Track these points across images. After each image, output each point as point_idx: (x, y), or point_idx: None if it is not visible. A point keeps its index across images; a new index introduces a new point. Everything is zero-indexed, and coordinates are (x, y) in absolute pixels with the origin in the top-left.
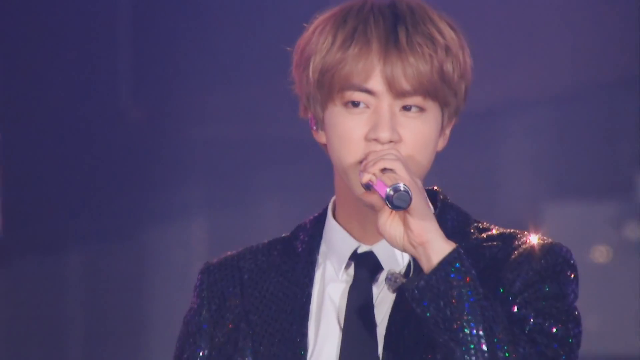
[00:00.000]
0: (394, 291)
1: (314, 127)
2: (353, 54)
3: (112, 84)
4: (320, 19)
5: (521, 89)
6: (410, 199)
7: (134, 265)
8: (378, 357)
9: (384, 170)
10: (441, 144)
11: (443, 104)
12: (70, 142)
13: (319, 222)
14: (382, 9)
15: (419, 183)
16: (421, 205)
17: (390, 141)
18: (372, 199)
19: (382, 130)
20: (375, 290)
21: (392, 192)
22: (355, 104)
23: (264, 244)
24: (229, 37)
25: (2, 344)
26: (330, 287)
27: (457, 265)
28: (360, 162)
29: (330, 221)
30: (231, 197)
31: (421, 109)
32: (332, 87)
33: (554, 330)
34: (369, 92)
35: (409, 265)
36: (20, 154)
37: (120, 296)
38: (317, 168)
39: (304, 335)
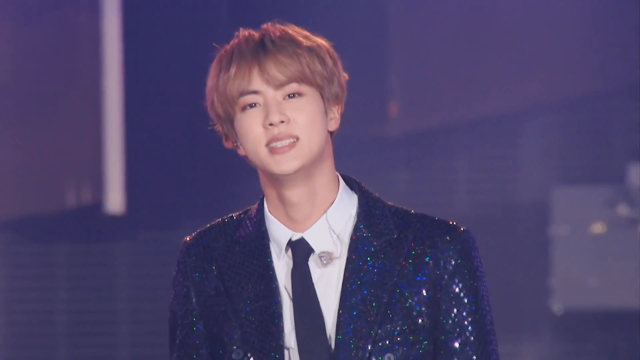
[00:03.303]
0: (325, 266)
1: (235, 145)
2: (235, 70)
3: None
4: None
5: (537, 97)
6: None
7: None
8: (324, 324)
9: None
10: (333, 125)
11: (318, 88)
12: (181, 138)
13: (260, 212)
14: (251, 34)
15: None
16: None
17: (282, 122)
18: None
19: (272, 115)
20: (312, 268)
21: None
22: (252, 106)
23: (223, 222)
24: None
25: (125, 304)
26: (278, 269)
27: None
28: (267, 145)
29: (267, 214)
30: None
31: (300, 94)
32: (230, 100)
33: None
34: (254, 92)
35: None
36: (142, 143)
37: None
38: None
39: (280, 315)
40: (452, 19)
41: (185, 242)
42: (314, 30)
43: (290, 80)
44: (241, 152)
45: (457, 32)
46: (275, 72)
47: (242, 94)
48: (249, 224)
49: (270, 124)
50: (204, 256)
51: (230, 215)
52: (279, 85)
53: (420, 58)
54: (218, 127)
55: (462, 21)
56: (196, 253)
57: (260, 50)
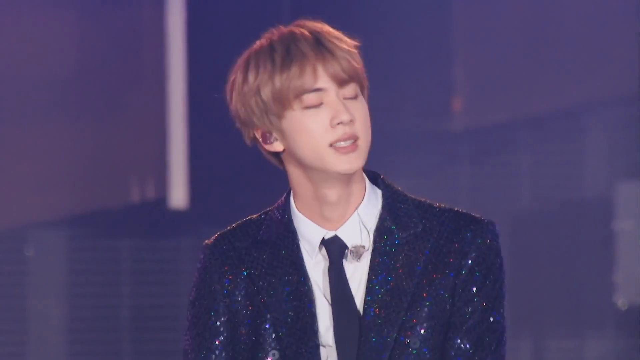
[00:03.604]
0: (357, 260)
1: (269, 141)
2: (298, 67)
3: None
4: (243, 58)
5: (601, 92)
6: None
7: None
8: (360, 321)
9: None
10: None
11: (363, 88)
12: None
13: (286, 211)
14: (301, 32)
15: None
16: None
17: (350, 120)
18: None
19: (342, 113)
20: (346, 264)
21: None
22: (316, 104)
23: (244, 223)
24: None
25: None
26: (310, 267)
27: None
28: (331, 145)
29: (296, 213)
30: None
31: (356, 95)
32: (289, 97)
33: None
34: (320, 89)
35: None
36: (206, 139)
37: None
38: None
39: (314, 315)
40: (516, 14)
41: (207, 245)
42: (377, 25)
43: (351, 79)
44: (275, 148)
45: (521, 27)
46: (339, 70)
47: (306, 91)
48: (274, 224)
49: (339, 123)
50: (230, 258)
51: (248, 217)
52: (344, 83)
53: (484, 53)
54: (244, 122)
55: (526, 16)
56: (221, 254)
57: (322, 48)
